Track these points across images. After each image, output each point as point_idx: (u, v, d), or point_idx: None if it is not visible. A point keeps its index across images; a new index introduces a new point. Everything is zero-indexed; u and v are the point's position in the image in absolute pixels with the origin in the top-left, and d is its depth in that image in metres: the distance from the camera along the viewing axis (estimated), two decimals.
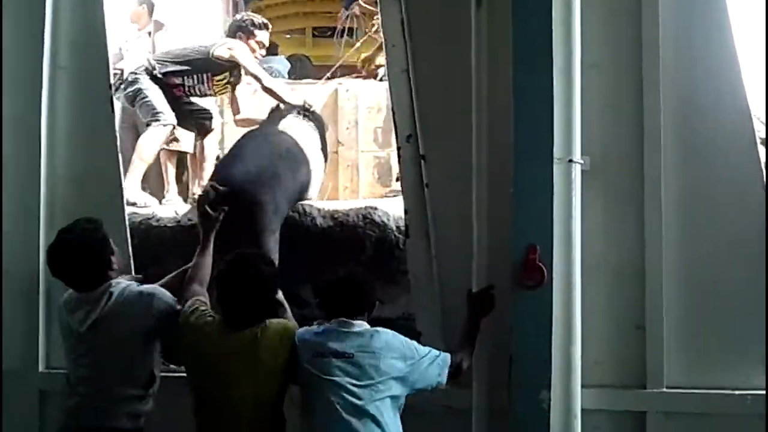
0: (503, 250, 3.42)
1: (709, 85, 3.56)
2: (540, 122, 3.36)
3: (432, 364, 3.25)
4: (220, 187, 4.10)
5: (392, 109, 3.79)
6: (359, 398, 3.09)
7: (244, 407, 3.16)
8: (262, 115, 5.59)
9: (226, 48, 5.61)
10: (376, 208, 4.84)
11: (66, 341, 3.45)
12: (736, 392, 3.47)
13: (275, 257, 4.20)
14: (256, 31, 5.78)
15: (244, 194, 4.27)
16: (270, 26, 5.98)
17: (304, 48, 8.22)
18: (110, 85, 4.11)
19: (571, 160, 3.41)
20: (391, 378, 3.15)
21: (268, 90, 5.56)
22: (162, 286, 3.74)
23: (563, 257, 3.38)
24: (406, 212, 3.77)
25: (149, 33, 6.48)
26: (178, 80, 5.61)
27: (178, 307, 3.38)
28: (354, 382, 3.10)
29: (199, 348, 3.24)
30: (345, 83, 6.17)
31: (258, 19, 5.90)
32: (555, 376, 3.34)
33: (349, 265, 4.72)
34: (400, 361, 3.18)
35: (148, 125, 5.55)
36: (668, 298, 3.51)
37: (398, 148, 3.76)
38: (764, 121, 4.96)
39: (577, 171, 3.43)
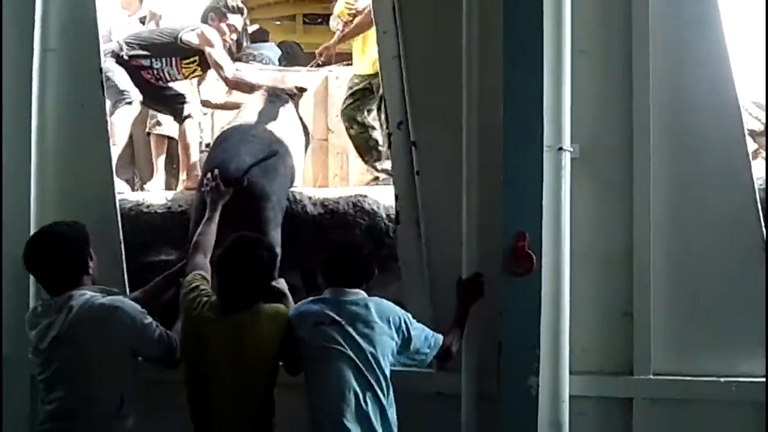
0: (493, 237, 3.44)
1: (698, 75, 3.58)
2: (530, 110, 3.37)
3: (423, 335, 3.32)
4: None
5: (383, 96, 3.79)
6: (361, 365, 3.14)
7: (233, 389, 3.18)
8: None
9: (194, 34, 5.48)
10: (366, 196, 4.84)
11: (32, 359, 3.37)
12: (722, 379, 3.50)
13: (278, 250, 4.20)
14: (229, 15, 5.67)
15: (253, 188, 4.27)
16: (245, 11, 5.87)
17: (294, 35, 8.20)
18: (100, 68, 4.10)
19: (560, 148, 3.43)
20: (386, 345, 3.21)
21: (232, 82, 5.50)
22: (143, 294, 3.76)
23: (552, 244, 3.40)
24: (396, 199, 3.78)
25: (140, 20, 6.41)
26: (145, 62, 5.48)
27: (147, 320, 3.29)
28: (353, 350, 3.15)
29: (192, 328, 3.26)
30: (335, 70, 6.16)
31: (233, 1, 5.76)
32: (543, 362, 3.36)
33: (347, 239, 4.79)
34: (394, 332, 3.24)
35: (115, 107, 5.39)
36: (655, 286, 3.53)
37: (389, 135, 3.76)
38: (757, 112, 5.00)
39: (566, 159, 3.45)
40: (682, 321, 3.57)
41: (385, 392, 3.21)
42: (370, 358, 3.17)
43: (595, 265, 3.58)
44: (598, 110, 3.59)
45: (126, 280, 4.12)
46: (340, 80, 6.02)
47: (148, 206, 4.92)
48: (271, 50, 7.11)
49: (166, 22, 6.26)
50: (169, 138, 5.92)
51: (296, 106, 5.29)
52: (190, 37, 5.47)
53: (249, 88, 5.43)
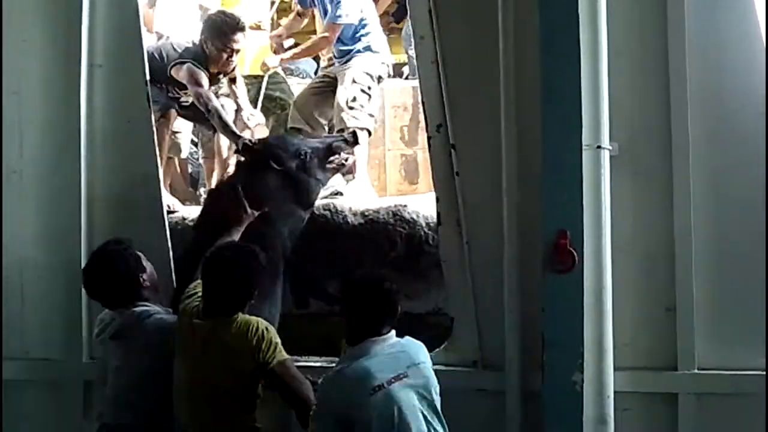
0: (534, 236, 3.49)
1: (735, 71, 3.61)
2: (568, 109, 3.42)
3: None
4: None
5: (422, 100, 3.86)
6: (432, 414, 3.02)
7: (205, 393, 3.17)
8: None
9: (178, 71, 5.10)
10: (405, 206, 4.89)
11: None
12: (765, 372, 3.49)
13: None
14: (232, 35, 5.11)
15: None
16: (245, 27, 5.32)
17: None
18: (146, 81, 4.21)
19: (599, 147, 3.47)
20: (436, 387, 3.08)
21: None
22: None
23: (593, 241, 3.44)
24: (437, 200, 3.83)
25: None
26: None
27: None
28: (419, 400, 2.97)
29: (179, 331, 3.31)
30: None
31: (232, 19, 5.20)
32: (587, 358, 3.39)
33: (375, 265, 4.83)
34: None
35: None
36: (698, 281, 3.55)
37: (429, 138, 3.82)
38: None
39: (605, 157, 3.49)
40: (726, 315, 3.58)
41: None
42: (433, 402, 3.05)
43: (637, 261, 3.60)
44: (635, 108, 3.62)
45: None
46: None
47: (193, 221, 5.01)
48: (306, 63, 7.11)
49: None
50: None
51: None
52: (174, 73, 5.14)
53: (221, 125, 5.03)
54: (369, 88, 5.42)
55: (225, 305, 3.20)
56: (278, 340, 3.17)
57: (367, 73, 5.45)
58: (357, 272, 3.55)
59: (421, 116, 4.30)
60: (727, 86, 3.65)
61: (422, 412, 2.95)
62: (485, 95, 3.68)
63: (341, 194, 5.16)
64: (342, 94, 5.36)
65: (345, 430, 2.90)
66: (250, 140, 4.60)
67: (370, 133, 5.47)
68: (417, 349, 3.08)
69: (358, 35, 5.56)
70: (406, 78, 6.66)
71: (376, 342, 3.00)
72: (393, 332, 3.06)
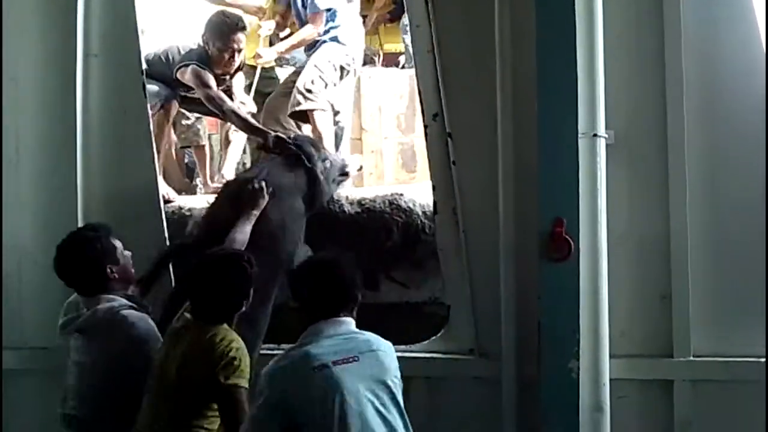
0: (530, 224, 3.50)
1: (732, 59, 3.62)
2: (564, 98, 3.43)
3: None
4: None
5: (418, 89, 3.87)
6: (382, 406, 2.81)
7: (163, 386, 3.08)
8: None
9: (183, 74, 5.11)
10: (401, 194, 4.89)
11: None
12: (763, 360, 3.50)
13: None
14: (231, 36, 5.11)
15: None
16: (246, 27, 5.33)
17: None
18: (142, 71, 4.22)
19: (595, 135, 3.49)
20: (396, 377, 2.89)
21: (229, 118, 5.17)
22: None
23: (589, 229, 3.46)
24: (433, 189, 3.84)
25: None
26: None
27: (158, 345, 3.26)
28: (368, 386, 2.79)
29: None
30: (367, 71, 6.23)
31: (232, 19, 5.19)
32: (583, 346, 3.41)
33: (372, 254, 4.83)
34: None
35: None
36: (693, 268, 3.57)
37: (425, 127, 3.83)
38: None
39: (601, 145, 3.51)
40: (721, 302, 3.60)
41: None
42: (388, 391, 2.87)
43: (633, 249, 3.62)
44: (631, 96, 3.64)
45: (173, 282, 4.21)
46: (372, 80, 6.07)
47: (189, 210, 5.02)
48: (300, 53, 7.06)
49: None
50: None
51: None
52: (180, 76, 5.14)
53: (243, 125, 5.04)
54: (328, 76, 5.45)
55: (212, 312, 3.07)
56: (246, 367, 2.98)
57: (329, 61, 5.48)
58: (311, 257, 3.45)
59: (418, 104, 4.30)
60: (723, 75, 3.66)
61: (371, 400, 2.76)
62: (482, 84, 3.70)
63: None
64: (301, 77, 5.42)
65: (286, 414, 2.75)
66: (281, 135, 4.51)
67: (336, 112, 5.56)
68: (378, 340, 2.91)
69: (327, 26, 5.59)
70: (402, 67, 6.67)
71: (328, 324, 2.86)
72: (351, 320, 2.92)
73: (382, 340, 2.92)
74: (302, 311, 2.95)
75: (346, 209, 4.87)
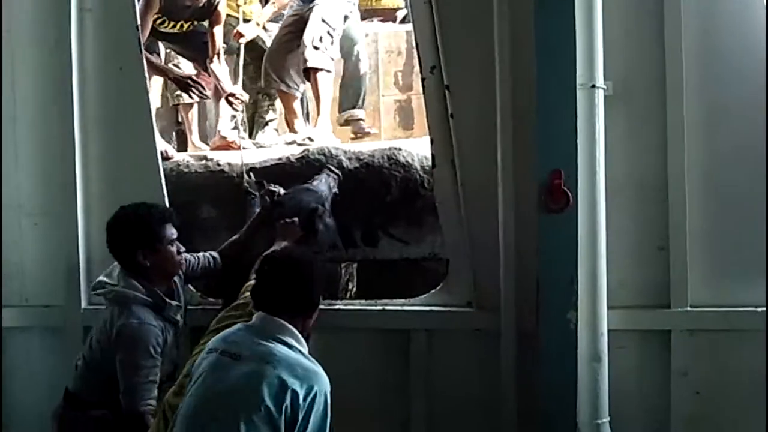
0: (528, 176, 3.49)
1: (730, 7, 3.59)
2: (562, 48, 3.39)
3: None
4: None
5: (415, 42, 3.83)
6: None
7: None
8: None
9: None
10: (400, 149, 4.87)
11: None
12: (760, 309, 3.52)
13: None
14: None
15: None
16: None
17: None
18: (137, 27, 4.18)
19: (593, 86, 3.47)
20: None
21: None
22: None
23: (587, 181, 3.46)
24: (432, 142, 3.81)
25: None
26: None
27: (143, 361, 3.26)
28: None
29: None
30: (364, 27, 6.17)
31: None
32: (581, 297, 3.42)
33: (371, 208, 4.82)
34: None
35: None
36: (691, 219, 3.57)
37: (423, 80, 3.80)
38: None
39: (600, 96, 3.49)
40: (718, 253, 3.61)
41: None
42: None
43: (631, 201, 3.63)
44: (630, 47, 3.61)
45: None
46: (369, 38, 6.03)
47: (188, 166, 5.02)
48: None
49: None
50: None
51: None
52: None
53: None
54: (334, 29, 5.43)
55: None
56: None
57: (335, 13, 5.45)
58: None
59: (416, 61, 4.27)
60: (722, 25, 3.62)
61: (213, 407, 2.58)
62: (479, 36, 3.65)
63: (312, 140, 5.22)
64: (309, 32, 5.38)
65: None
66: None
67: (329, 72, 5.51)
68: (282, 363, 2.59)
69: None
70: (401, 22, 6.61)
71: (258, 317, 2.77)
72: (282, 325, 2.70)
73: (293, 367, 2.61)
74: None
75: (344, 164, 4.86)
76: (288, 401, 2.50)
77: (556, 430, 3.42)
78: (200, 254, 3.84)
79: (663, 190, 3.60)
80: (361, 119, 5.68)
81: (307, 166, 4.76)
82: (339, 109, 5.73)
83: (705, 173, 3.60)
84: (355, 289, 5.79)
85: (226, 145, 5.51)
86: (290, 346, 2.65)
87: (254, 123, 5.89)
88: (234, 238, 4.02)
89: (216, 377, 2.62)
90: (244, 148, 5.18)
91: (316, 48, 5.34)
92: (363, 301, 4.22)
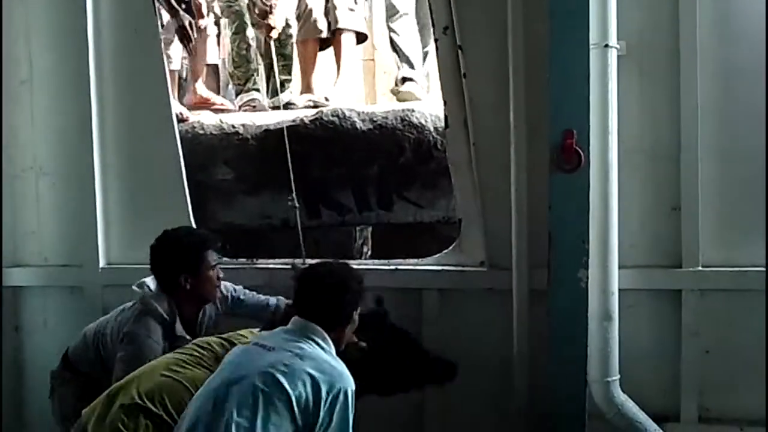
0: (540, 136, 3.49)
1: None
2: (575, 8, 3.38)
3: None
4: None
5: (428, 2, 3.83)
6: None
7: None
8: None
9: None
10: (413, 110, 4.87)
11: None
12: None
13: None
14: None
15: None
16: None
17: None
18: None
19: (607, 45, 3.47)
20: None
21: None
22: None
23: (600, 141, 3.46)
24: (444, 103, 3.82)
25: None
26: None
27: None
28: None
29: None
30: None
31: None
32: (593, 256, 3.44)
33: (385, 170, 4.82)
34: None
35: None
36: (703, 179, 3.57)
37: (435, 41, 3.80)
38: None
39: (613, 56, 3.49)
40: (730, 213, 3.61)
41: None
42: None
43: (643, 161, 3.63)
44: (643, 6, 3.59)
45: (188, 200, 4.29)
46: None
47: (203, 128, 5.05)
48: None
49: None
50: None
51: None
52: None
53: None
54: None
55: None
56: None
57: None
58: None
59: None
60: None
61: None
62: None
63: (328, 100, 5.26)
64: None
65: None
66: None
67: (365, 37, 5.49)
68: (313, 367, 2.63)
69: None
70: None
71: (294, 321, 2.84)
72: (315, 328, 2.77)
73: (320, 364, 2.66)
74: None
75: (358, 126, 4.87)
76: (311, 395, 2.57)
77: (566, 388, 3.45)
78: (260, 296, 3.80)
79: (675, 150, 3.59)
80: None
81: (321, 128, 4.78)
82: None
83: (718, 134, 3.58)
84: (369, 252, 5.84)
85: (202, 102, 5.50)
86: (320, 346, 2.74)
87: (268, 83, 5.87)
88: None
89: (246, 358, 2.71)
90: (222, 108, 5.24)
91: (351, 10, 5.34)
92: (376, 261, 4.25)
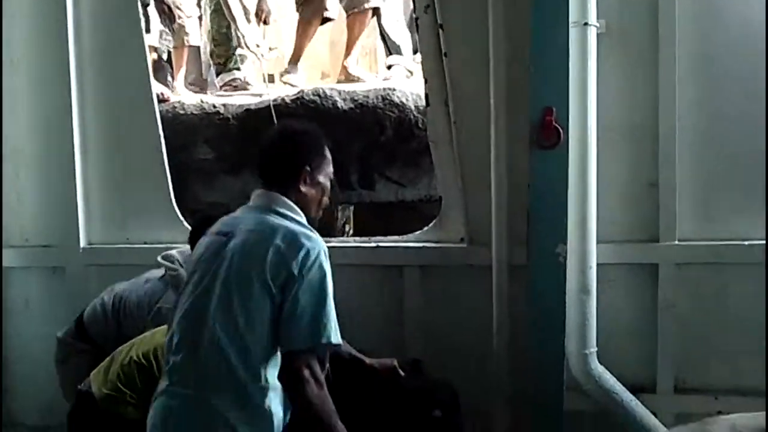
0: (521, 114, 3.52)
1: None
2: None
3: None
4: None
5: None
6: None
7: None
8: None
9: None
10: (394, 89, 4.89)
11: None
12: (746, 242, 3.62)
13: None
14: None
15: None
16: None
17: None
18: None
19: (587, 24, 3.50)
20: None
21: None
22: None
23: (579, 118, 3.50)
24: (425, 81, 3.84)
25: None
26: None
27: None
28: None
29: None
30: None
31: None
32: (571, 231, 3.50)
33: (366, 150, 4.85)
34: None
35: None
36: (681, 155, 3.64)
37: (416, 19, 3.82)
38: None
39: (592, 34, 3.52)
40: (707, 188, 3.68)
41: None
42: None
43: (622, 138, 3.68)
44: None
45: (169, 179, 4.29)
46: None
47: (183, 108, 5.05)
48: None
49: None
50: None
51: None
52: None
53: None
54: None
55: None
56: None
57: None
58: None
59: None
60: None
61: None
62: None
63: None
64: None
65: None
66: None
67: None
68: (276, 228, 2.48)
69: None
70: None
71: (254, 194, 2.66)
72: (272, 196, 2.58)
73: (287, 234, 2.47)
74: None
75: (339, 105, 4.88)
76: (282, 265, 2.41)
77: (545, 360, 3.51)
78: None
79: (654, 127, 3.65)
80: None
81: (303, 107, 4.80)
82: None
83: (696, 110, 3.64)
84: (351, 232, 5.87)
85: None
86: (284, 216, 2.54)
87: None
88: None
89: (212, 250, 2.55)
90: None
91: None
92: (357, 238, 4.28)
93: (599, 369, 3.62)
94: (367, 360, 3.25)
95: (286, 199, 2.57)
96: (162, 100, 4.88)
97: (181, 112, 5.00)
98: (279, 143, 2.67)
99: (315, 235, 2.51)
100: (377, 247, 4.02)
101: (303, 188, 2.59)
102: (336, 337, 2.43)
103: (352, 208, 5.79)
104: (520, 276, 3.63)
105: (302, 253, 2.42)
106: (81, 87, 4.29)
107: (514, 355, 3.71)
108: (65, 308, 4.06)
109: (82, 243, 4.28)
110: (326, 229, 5.32)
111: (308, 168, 2.59)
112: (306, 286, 2.41)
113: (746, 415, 2.98)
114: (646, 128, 3.67)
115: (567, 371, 3.58)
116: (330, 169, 2.69)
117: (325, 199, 2.69)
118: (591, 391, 3.63)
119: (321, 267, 2.45)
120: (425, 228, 4.00)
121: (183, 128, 4.96)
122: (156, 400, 2.51)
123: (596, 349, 3.60)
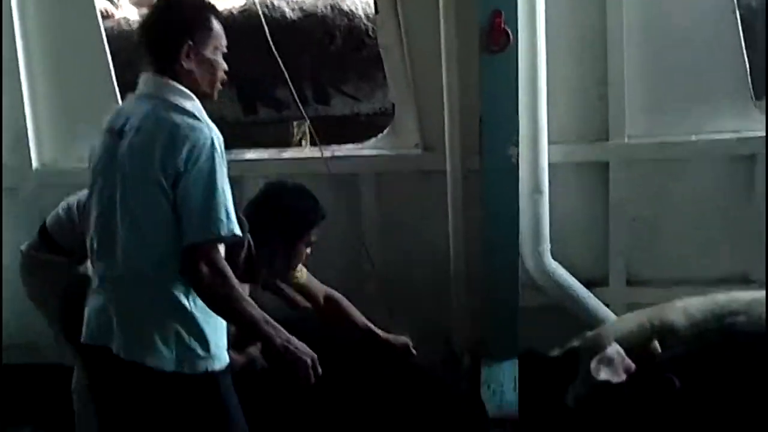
0: (470, 18, 3.50)
1: None
2: None
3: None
4: None
5: None
6: None
7: None
8: None
9: None
10: None
11: None
12: (693, 137, 3.71)
13: None
14: None
15: None
16: None
17: None
18: None
19: None
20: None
21: None
22: None
23: (527, 21, 3.51)
24: None
25: None
26: None
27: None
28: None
29: None
30: None
31: None
32: (523, 134, 3.54)
33: (316, 60, 4.79)
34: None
35: None
36: (629, 56, 3.67)
37: None
38: None
39: None
40: (655, 86, 3.73)
41: None
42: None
43: (571, 40, 3.70)
44: None
45: (119, 98, 4.18)
46: None
47: (129, 24, 4.93)
48: None
49: None
50: None
51: None
52: None
53: None
54: None
55: None
56: None
57: None
58: None
59: None
60: None
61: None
62: None
63: None
64: None
65: None
66: None
67: None
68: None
69: None
70: None
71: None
72: (170, 82, 2.36)
73: (172, 128, 2.30)
74: None
75: (287, 15, 4.81)
76: (168, 162, 2.28)
77: (500, 259, 3.61)
78: None
79: (602, 30, 3.67)
80: None
81: (251, 18, 4.70)
82: None
83: (644, 11, 3.66)
84: (308, 147, 5.85)
85: None
86: (171, 104, 2.35)
87: None
88: None
89: (107, 155, 2.42)
90: None
91: None
92: (312, 148, 4.28)
93: (553, 265, 3.74)
94: (382, 334, 3.28)
95: (174, 84, 2.37)
96: (106, 17, 4.75)
97: (126, 28, 4.89)
98: (156, 17, 2.43)
99: (200, 125, 2.34)
100: (333, 156, 4.03)
101: (186, 65, 2.37)
102: (232, 227, 2.31)
103: (307, 123, 5.75)
104: (474, 180, 3.68)
105: (186, 147, 2.28)
106: (22, 3, 4.16)
107: (471, 259, 3.80)
108: (19, 229, 3.97)
109: (34, 164, 4.22)
110: (283, 147, 5.35)
111: (191, 42, 2.36)
112: (193, 180, 2.28)
113: (698, 299, 3.13)
114: (594, 27, 3.68)
115: (523, 270, 3.69)
116: (220, 42, 2.43)
117: (220, 75, 2.46)
118: (546, 287, 3.76)
119: (209, 158, 2.30)
120: (379, 135, 4.01)
121: (129, 44, 4.85)
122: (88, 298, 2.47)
123: (550, 246, 3.70)
